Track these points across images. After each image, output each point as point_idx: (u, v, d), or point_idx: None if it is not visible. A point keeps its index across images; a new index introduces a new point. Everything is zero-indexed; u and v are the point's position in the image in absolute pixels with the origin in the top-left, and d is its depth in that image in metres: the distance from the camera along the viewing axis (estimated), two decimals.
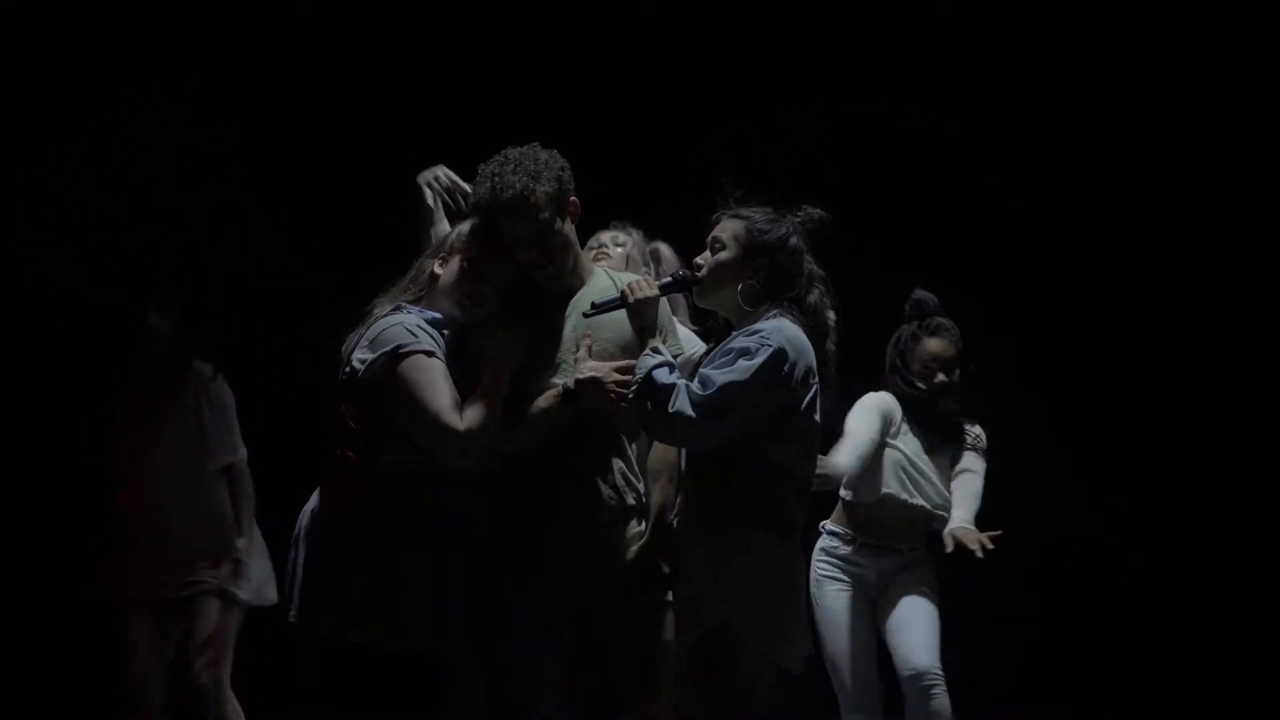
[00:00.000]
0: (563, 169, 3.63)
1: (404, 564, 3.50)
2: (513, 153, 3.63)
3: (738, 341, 3.52)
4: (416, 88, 6.59)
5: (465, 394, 3.49)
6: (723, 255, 3.64)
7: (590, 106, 6.50)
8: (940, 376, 4.89)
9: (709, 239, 3.69)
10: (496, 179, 3.57)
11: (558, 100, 6.48)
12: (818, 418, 3.63)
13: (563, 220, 3.64)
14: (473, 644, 3.59)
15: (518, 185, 3.54)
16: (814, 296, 3.67)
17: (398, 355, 3.48)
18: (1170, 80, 7.02)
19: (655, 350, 3.54)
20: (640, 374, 3.50)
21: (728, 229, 3.66)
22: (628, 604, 3.63)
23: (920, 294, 4.97)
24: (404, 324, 3.53)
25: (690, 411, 3.41)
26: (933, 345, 4.88)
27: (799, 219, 3.69)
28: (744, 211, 3.68)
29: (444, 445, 3.45)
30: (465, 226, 3.68)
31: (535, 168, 3.57)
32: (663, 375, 3.47)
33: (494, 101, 6.55)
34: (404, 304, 3.65)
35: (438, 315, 3.62)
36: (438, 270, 3.66)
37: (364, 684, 3.49)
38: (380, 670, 3.48)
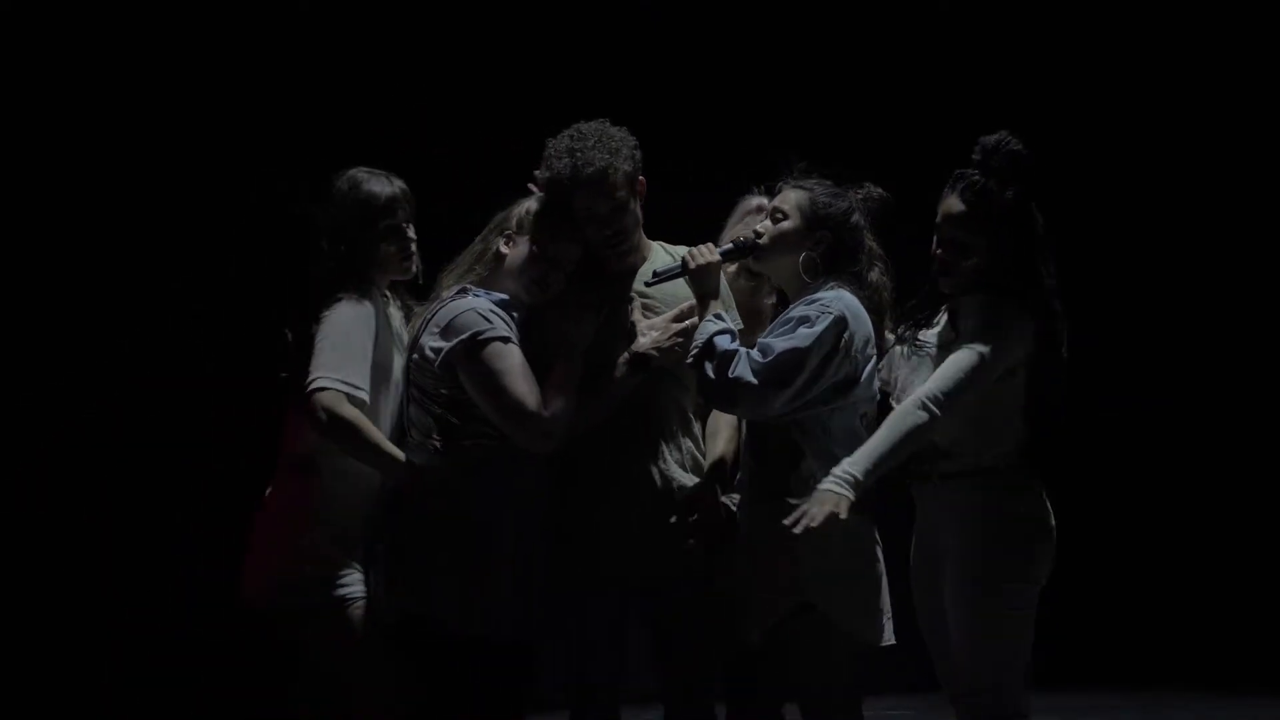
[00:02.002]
0: (635, 147, 3.63)
1: (486, 550, 3.49)
2: (587, 128, 3.61)
3: (797, 310, 3.50)
4: (430, 78, 6.58)
5: (538, 374, 3.50)
6: (785, 225, 3.61)
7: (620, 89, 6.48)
8: (936, 249, 3.62)
9: (770, 207, 3.67)
10: (577, 155, 3.54)
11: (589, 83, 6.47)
12: (876, 389, 3.61)
13: (634, 199, 3.65)
14: (552, 626, 3.60)
15: (599, 162, 3.53)
16: (874, 274, 3.64)
17: (475, 342, 3.46)
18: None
19: (717, 316, 3.54)
20: (701, 339, 3.48)
21: (790, 199, 3.64)
22: (705, 579, 3.60)
23: (991, 138, 3.65)
24: (476, 309, 3.51)
25: (751, 378, 3.39)
26: (944, 203, 3.61)
27: (860, 196, 3.66)
28: (806, 183, 3.66)
29: (528, 432, 3.45)
30: (532, 205, 3.65)
31: (614, 145, 3.57)
32: (724, 341, 3.46)
33: (531, 86, 6.56)
34: (470, 286, 3.62)
35: (505, 296, 3.60)
36: (504, 250, 3.63)
37: (448, 673, 3.48)
38: (466, 658, 3.46)
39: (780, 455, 3.51)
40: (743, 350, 3.44)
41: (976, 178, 3.58)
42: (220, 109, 6.33)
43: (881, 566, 3.54)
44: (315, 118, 6.41)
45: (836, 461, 3.42)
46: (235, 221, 6.32)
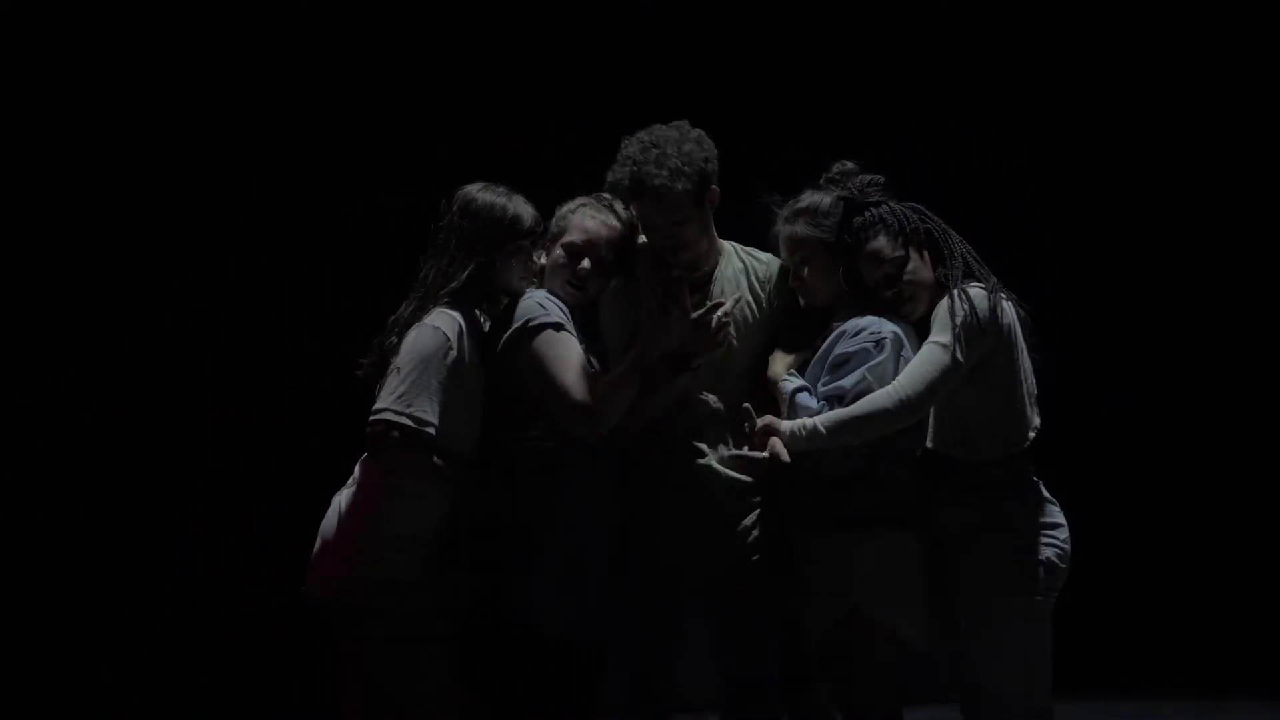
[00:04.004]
0: (706, 159, 3.58)
1: (541, 544, 3.52)
2: (660, 135, 3.56)
3: (844, 347, 3.54)
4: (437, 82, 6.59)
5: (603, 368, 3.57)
6: (811, 269, 3.65)
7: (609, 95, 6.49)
8: (875, 284, 3.69)
9: (785, 260, 3.68)
10: (637, 168, 3.52)
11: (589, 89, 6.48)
12: None
13: (700, 210, 3.63)
14: (612, 625, 3.60)
15: (656, 180, 3.50)
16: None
17: (527, 329, 3.51)
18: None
19: (791, 373, 3.59)
20: (785, 399, 3.55)
21: (796, 241, 3.65)
22: (761, 581, 3.62)
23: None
24: (533, 297, 3.57)
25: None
26: (867, 249, 3.70)
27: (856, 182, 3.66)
28: (795, 209, 3.66)
29: (573, 417, 3.47)
30: (568, 209, 3.68)
31: (677, 162, 3.51)
32: (805, 399, 3.53)
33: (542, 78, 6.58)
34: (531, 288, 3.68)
35: (554, 294, 3.65)
36: (542, 261, 3.69)
37: (513, 670, 3.50)
38: (530, 654, 3.49)
39: (834, 477, 3.54)
40: (823, 404, 3.49)
41: (859, 219, 3.60)
42: (221, 109, 6.33)
43: (925, 572, 3.57)
44: (316, 118, 6.41)
45: (891, 484, 3.52)
46: (235, 221, 6.33)
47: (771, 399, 3.60)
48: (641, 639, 3.62)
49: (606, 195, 3.68)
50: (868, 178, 3.69)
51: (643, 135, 3.57)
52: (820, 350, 3.59)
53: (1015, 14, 7.17)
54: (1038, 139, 7.24)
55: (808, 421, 3.45)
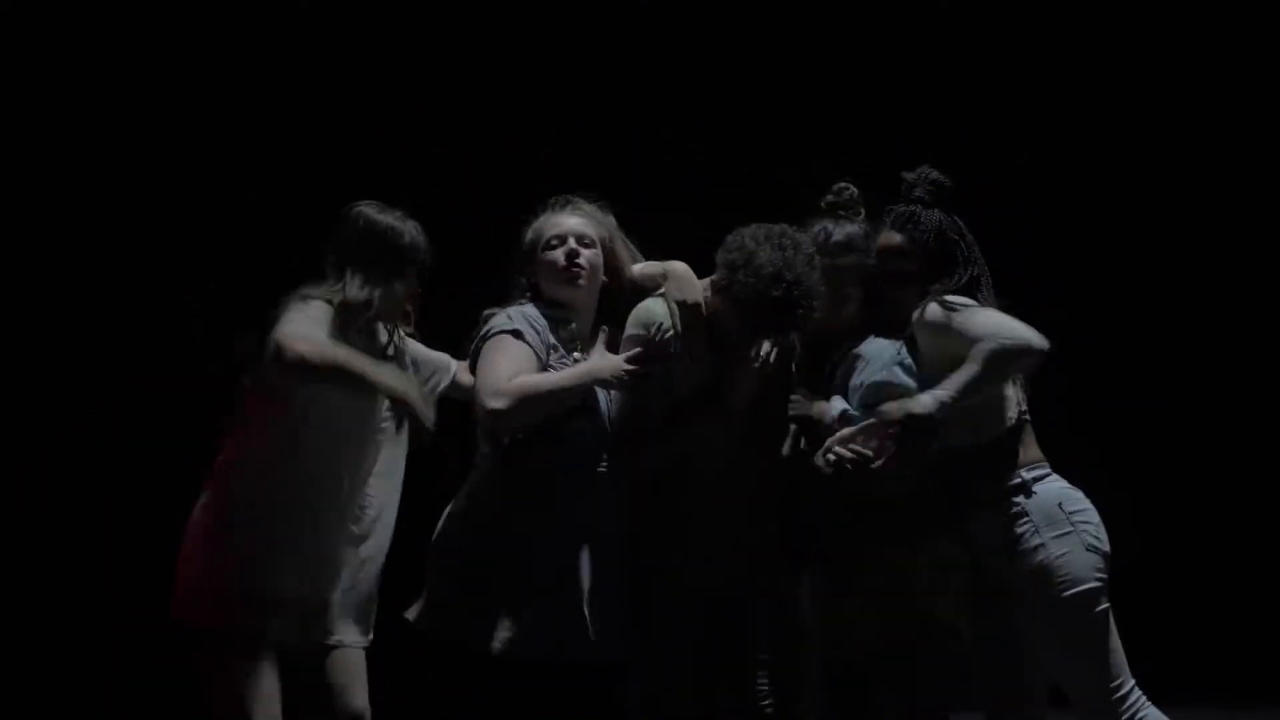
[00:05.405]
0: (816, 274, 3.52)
1: (550, 570, 3.49)
2: (795, 270, 3.41)
3: (873, 377, 3.60)
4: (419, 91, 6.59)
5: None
6: (853, 302, 3.70)
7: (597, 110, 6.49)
8: (878, 282, 3.72)
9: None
10: (776, 305, 3.43)
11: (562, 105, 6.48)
12: None
13: None
14: (627, 648, 3.57)
15: (782, 324, 3.49)
16: None
17: (485, 337, 3.56)
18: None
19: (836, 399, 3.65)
20: (834, 419, 3.58)
21: (848, 274, 3.67)
22: (772, 592, 3.67)
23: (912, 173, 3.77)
24: (505, 311, 3.60)
25: None
26: (882, 239, 3.71)
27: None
28: (836, 242, 3.66)
29: (481, 404, 3.44)
30: (533, 224, 3.67)
31: (809, 303, 3.44)
32: (853, 416, 3.56)
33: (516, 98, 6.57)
34: (524, 300, 3.69)
35: (546, 310, 3.63)
36: (534, 279, 3.69)
37: (514, 696, 3.48)
38: (536, 682, 3.47)
39: (885, 502, 3.58)
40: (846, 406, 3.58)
41: (905, 208, 3.66)
42: (221, 108, 6.33)
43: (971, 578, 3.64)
44: (316, 118, 6.41)
45: (943, 498, 3.58)
46: (235, 221, 6.33)
47: None
48: (665, 657, 3.61)
49: (565, 196, 3.70)
50: (933, 175, 3.71)
51: (784, 271, 3.42)
52: (838, 377, 3.64)
53: (1015, 14, 7.18)
54: (1038, 139, 7.24)
55: (924, 398, 3.40)
